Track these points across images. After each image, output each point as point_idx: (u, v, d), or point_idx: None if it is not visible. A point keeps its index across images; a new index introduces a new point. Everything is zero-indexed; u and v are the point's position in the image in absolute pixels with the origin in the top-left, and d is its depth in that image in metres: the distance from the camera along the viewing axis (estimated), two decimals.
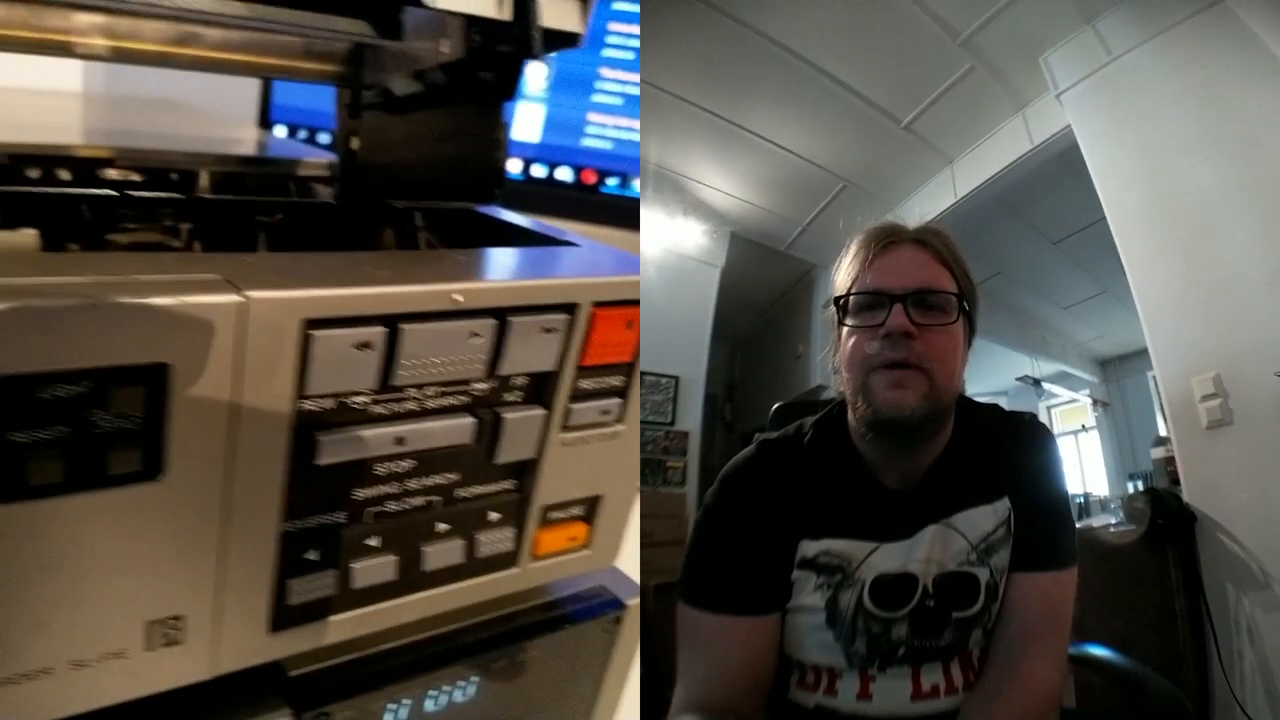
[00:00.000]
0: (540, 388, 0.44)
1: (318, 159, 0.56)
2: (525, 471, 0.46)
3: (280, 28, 0.43)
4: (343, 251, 0.41)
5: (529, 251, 0.48)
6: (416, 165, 0.51)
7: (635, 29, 1.04)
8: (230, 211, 0.49)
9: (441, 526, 0.44)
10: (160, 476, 0.33)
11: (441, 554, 0.44)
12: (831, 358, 0.52)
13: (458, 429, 0.42)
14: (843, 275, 0.51)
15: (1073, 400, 2.94)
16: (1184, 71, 1.19)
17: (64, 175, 0.44)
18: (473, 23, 0.43)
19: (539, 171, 1.08)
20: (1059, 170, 1.64)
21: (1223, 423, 1.08)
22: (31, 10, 0.38)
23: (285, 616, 0.40)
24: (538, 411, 0.44)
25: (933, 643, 0.50)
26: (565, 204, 1.03)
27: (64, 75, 0.82)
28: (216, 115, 0.81)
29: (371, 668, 0.45)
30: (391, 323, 0.37)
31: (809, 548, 0.50)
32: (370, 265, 0.39)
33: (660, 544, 1.15)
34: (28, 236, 0.42)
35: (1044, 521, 0.52)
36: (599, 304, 0.44)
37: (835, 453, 0.51)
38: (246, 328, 0.33)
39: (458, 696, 0.49)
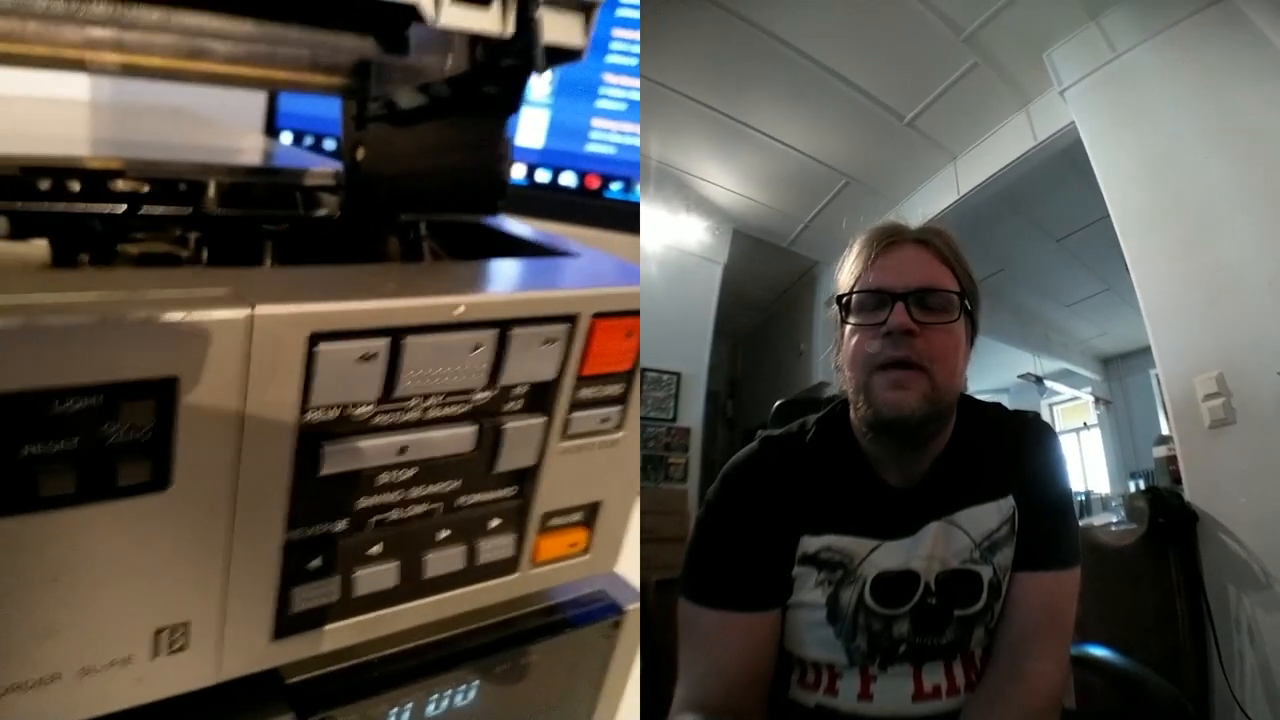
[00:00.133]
0: (540, 397, 0.45)
1: (324, 168, 0.56)
2: (526, 479, 0.47)
3: (289, 45, 0.44)
4: (347, 263, 0.42)
5: (530, 263, 0.48)
6: (421, 176, 0.51)
7: (638, 35, 1.03)
8: (238, 223, 0.50)
9: (443, 534, 0.45)
10: (168, 487, 0.33)
11: (443, 561, 0.45)
12: (834, 356, 0.52)
13: (459, 438, 0.42)
14: (845, 275, 0.51)
15: (1075, 398, 2.93)
16: (1188, 68, 1.18)
17: (74, 187, 0.45)
18: (477, 39, 0.43)
19: (543, 176, 1.08)
20: (1062, 167, 1.62)
21: (1225, 422, 1.08)
22: (44, 26, 0.39)
23: (289, 623, 0.40)
24: (538, 420, 0.45)
25: (934, 640, 0.50)
26: (569, 209, 1.03)
27: (72, 84, 0.82)
28: (223, 123, 0.81)
29: (373, 672, 0.46)
30: (395, 335, 0.37)
31: (810, 544, 0.50)
32: (374, 279, 0.40)
33: (661, 540, 1.14)
34: (38, 248, 0.42)
35: (1047, 521, 0.52)
36: (599, 315, 0.44)
37: (838, 450, 0.51)
38: (253, 342, 0.33)
39: (459, 701, 0.49)
